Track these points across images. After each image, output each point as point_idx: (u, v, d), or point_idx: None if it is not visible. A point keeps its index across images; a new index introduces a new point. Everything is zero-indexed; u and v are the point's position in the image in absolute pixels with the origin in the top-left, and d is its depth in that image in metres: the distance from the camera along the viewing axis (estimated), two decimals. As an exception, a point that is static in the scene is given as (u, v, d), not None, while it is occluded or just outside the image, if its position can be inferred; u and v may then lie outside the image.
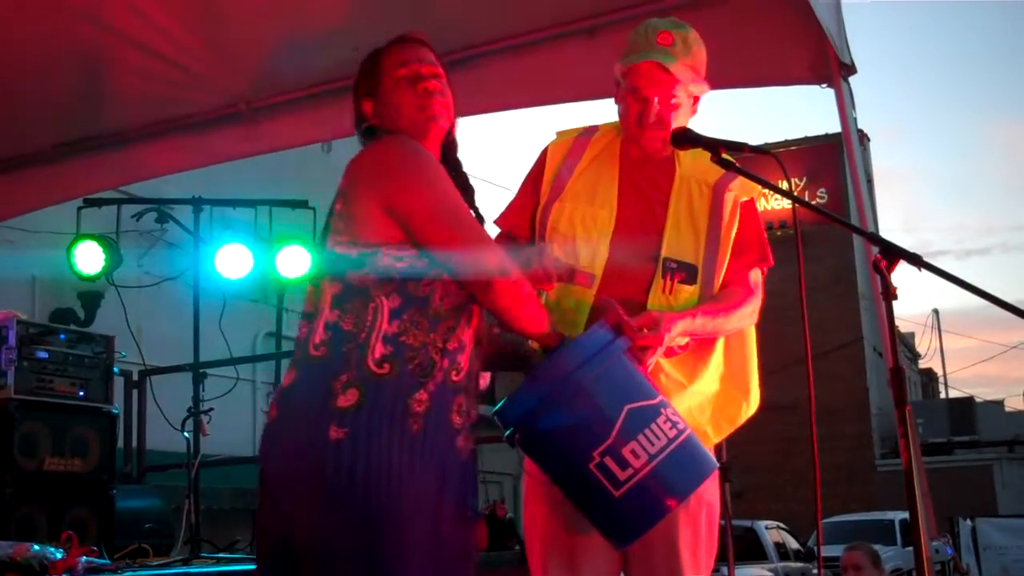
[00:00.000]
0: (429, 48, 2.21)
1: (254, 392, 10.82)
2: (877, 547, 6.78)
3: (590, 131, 2.56)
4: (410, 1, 3.48)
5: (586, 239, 2.40)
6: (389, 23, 2.23)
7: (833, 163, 22.33)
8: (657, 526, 2.14)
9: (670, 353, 2.33)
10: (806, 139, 24.07)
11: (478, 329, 2.10)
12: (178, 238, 6.38)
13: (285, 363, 3.45)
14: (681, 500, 2.16)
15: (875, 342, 22.27)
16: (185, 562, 4.21)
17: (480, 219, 2.17)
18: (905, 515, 3.55)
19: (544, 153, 2.56)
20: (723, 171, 2.35)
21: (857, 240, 15.93)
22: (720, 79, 2.59)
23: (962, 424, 22.86)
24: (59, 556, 3.16)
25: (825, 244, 21.01)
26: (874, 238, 2.07)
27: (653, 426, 2.09)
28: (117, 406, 4.62)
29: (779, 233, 17.47)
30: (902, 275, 1.93)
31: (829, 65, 3.76)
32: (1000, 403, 26.75)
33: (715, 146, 2.26)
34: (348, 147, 2.35)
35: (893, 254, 1.92)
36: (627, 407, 2.09)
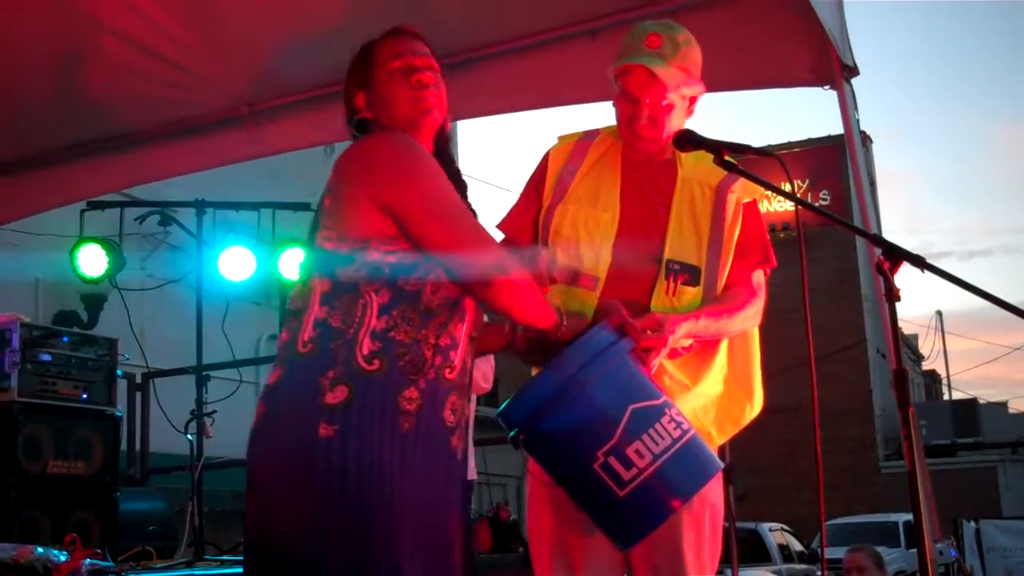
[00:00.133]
0: (423, 41, 2.19)
1: (257, 394, 10.75)
2: (881, 549, 6.79)
3: (592, 135, 2.56)
4: (412, 3, 3.48)
5: (589, 242, 2.40)
6: (390, 25, 2.22)
7: (836, 165, 22.32)
8: (661, 528, 2.13)
9: (674, 355, 2.33)
10: (808, 141, 24.09)
11: (472, 325, 2.06)
12: (181, 241, 6.38)
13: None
14: (686, 500, 2.16)
15: (878, 344, 22.27)
16: (189, 564, 4.22)
17: (473, 215, 2.12)
18: (909, 517, 3.54)
19: (546, 157, 2.56)
20: (725, 173, 2.35)
21: (860, 242, 15.91)
22: (722, 81, 2.60)
23: (966, 426, 22.85)
24: (63, 559, 3.16)
25: (828, 246, 21.01)
26: (877, 240, 2.06)
27: (657, 426, 2.09)
28: (120, 409, 4.61)
29: (782, 235, 17.54)
30: (905, 277, 1.92)
31: (831, 67, 3.75)
32: (1004, 405, 26.70)
33: (718, 148, 2.25)
34: (350, 150, 2.34)
35: (896, 256, 1.91)
36: (631, 407, 2.08)
